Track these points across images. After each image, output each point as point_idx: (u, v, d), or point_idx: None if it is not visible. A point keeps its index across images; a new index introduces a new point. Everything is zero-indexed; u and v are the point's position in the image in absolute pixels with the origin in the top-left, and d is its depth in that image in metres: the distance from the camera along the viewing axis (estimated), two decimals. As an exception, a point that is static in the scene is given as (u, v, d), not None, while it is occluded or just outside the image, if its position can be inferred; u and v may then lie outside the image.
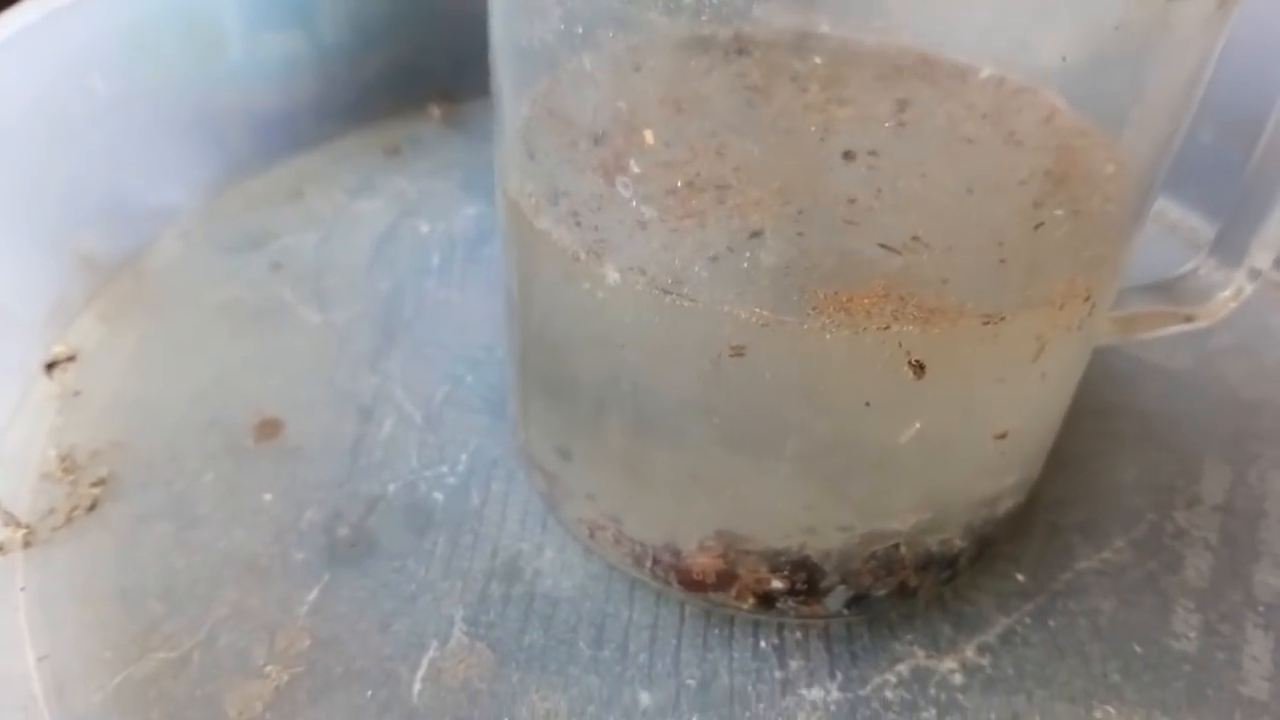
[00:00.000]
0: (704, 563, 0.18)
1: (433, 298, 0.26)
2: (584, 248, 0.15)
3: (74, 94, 0.25)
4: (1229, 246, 0.21)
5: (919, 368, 0.15)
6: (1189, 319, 0.22)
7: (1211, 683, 0.19)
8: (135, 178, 0.27)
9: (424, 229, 0.28)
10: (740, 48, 0.18)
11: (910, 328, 0.14)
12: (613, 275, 0.15)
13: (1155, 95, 0.17)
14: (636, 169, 0.16)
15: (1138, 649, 0.19)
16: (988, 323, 0.15)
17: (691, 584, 0.18)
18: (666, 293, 0.15)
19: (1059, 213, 0.17)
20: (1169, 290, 0.22)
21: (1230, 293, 0.21)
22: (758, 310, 0.14)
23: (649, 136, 0.17)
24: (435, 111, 0.34)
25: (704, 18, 0.15)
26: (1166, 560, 0.21)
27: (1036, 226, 0.15)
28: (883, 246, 0.16)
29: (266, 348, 0.24)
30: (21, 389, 0.23)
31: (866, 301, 0.15)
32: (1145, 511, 0.22)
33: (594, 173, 0.17)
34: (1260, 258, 0.21)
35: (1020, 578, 0.20)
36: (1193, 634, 0.19)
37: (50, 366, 0.24)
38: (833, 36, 0.18)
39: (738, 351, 0.15)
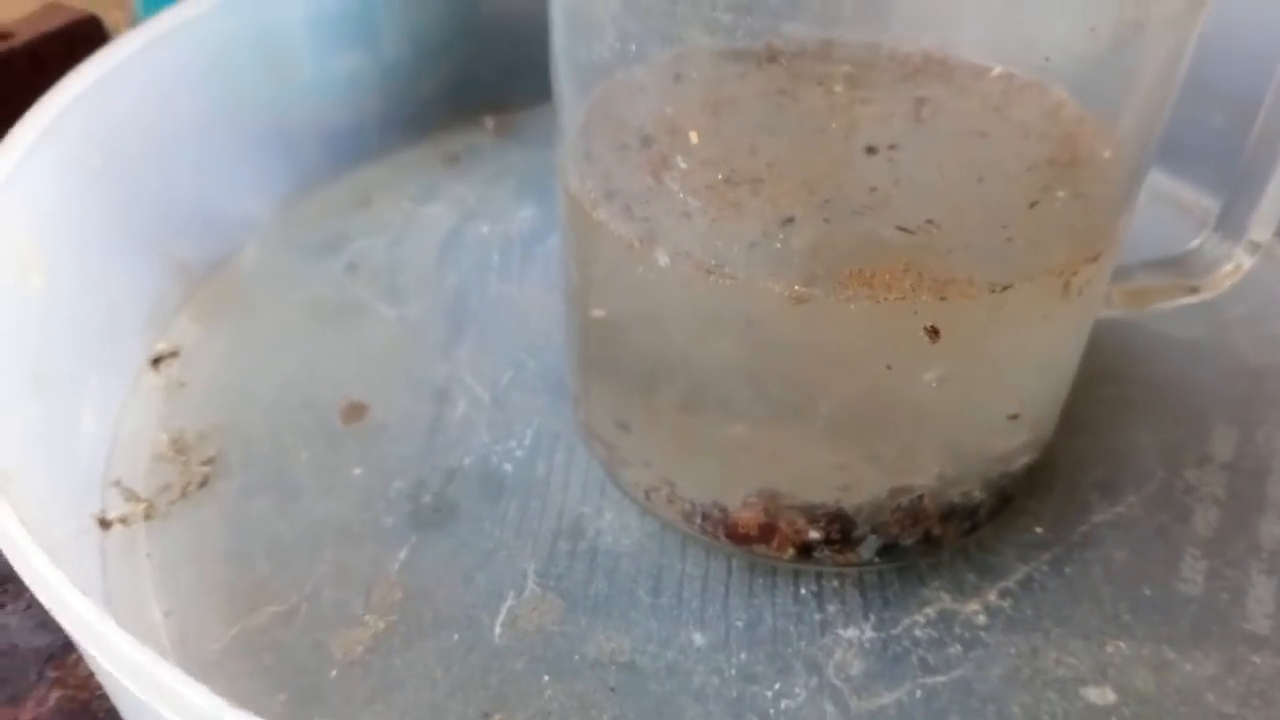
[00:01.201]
0: (748, 518, 0.20)
1: (495, 292, 0.28)
2: (637, 236, 0.18)
3: (166, 114, 0.28)
4: (1230, 223, 0.23)
5: (934, 333, 0.17)
6: (1194, 291, 0.23)
7: (1216, 620, 0.20)
8: (220, 190, 0.30)
9: (484, 230, 0.31)
10: (771, 55, 0.20)
11: (926, 297, 0.16)
12: (663, 259, 0.17)
13: (1141, 84, 0.19)
14: (681, 166, 0.19)
15: (1147, 592, 0.21)
16: (995, 291, 0.17)
17: (737, 537, 0.20)
18: (710, 273, 0.17)
19: (1061, 195, 0.19)
20: (1176, 265, 0.24)
21: (1231, 266, 0.23)
22: (791, 286, 0.17)
23: (692, 137, 0.19)
24: (489, 122, 0.36)
25: (739, 34, 0.17)
26: (1176, 513, 0.22)
27: (1033, 205, 0.17)
28: (900, 229, 0.18)
29: (347, 340, 0.27)
30: (131, 381, 0.26)
31: (887, 276, 0.17)
32: (1157, 470, 0.23)
33: (643, 170, 0.19)
34: (1258, 232, 0.23)
35: (1039, 530, 0.22)
36: (1199, 578, 0.21)
37: (155, 361, 0.26)
38: (856, 43, 0.20)
39: (768, 322, 0.17)
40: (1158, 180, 0.33)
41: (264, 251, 0.30)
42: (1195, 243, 0.23)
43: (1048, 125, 0.20)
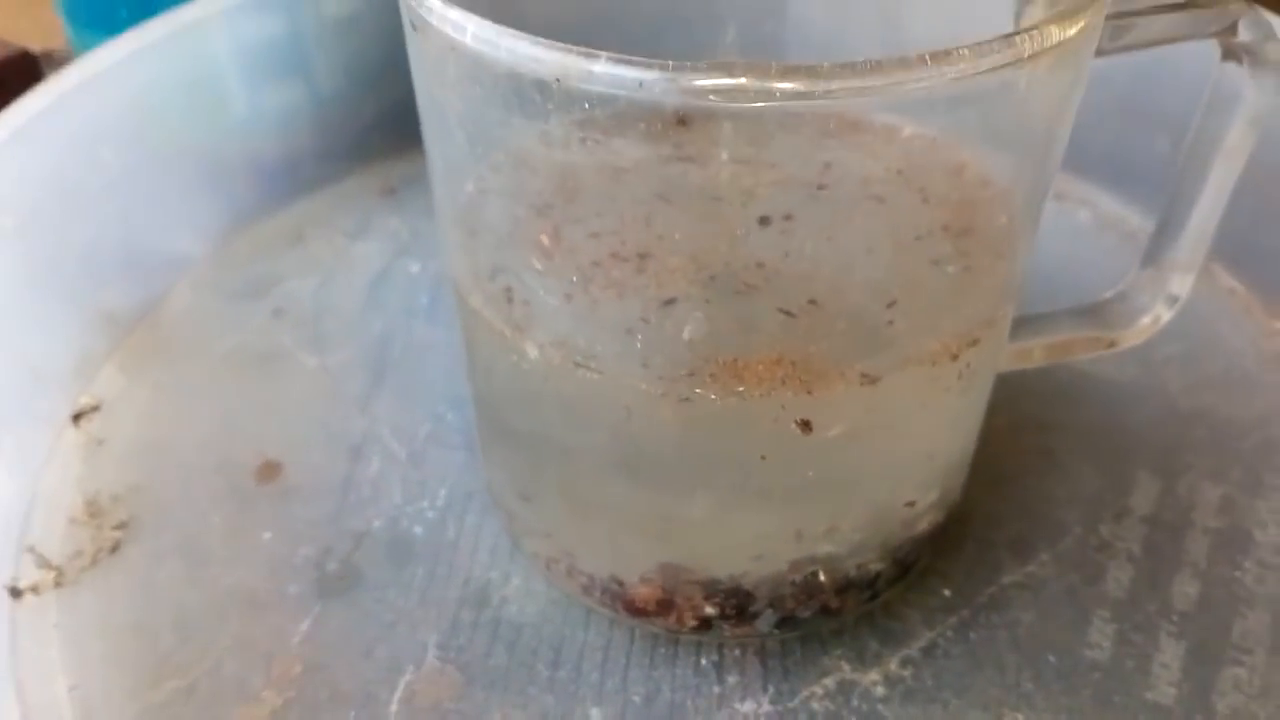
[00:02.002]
0: (645, 593, 0.20)
1: (420, 338, 0.28)
2: (510, 325, 0.17)
3: (86, 167, 0.27)
4: (1153, 265, 0.22)
5: (805, 425, 0.16)
6: (1112, 344, 0.23)
7: (1119, 689, 0.20)
8: (149, 234, 0.30)
9: (414, 269, 0.31)
10: (680, 119, 0.20)
11: (794, 391, 0.16)
12: (533, 351, 0.17)
13: (1047, 144, 0.18)
14: (569, 240, 0.18)
15: (1051, 659, 0.21)
16: (864, 383, 0.16)
17: (635, 611, 0.20)
18: (579, 366, 0.17)
19: (950, 269, 0.18)
20: (1095, 315, 0.23)
21: (1149, 319, 0.23)
22: (661, 383, 0.16)
23: (584, 208, 0.19)
24: (428, 149, 0.36)
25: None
26: (1088, 572, 0.22)
27: (924, 285, 0.17)
28: (781, 310, 0.17)
29: (268, 392, 0.27)
30: (52, 439, 0.26)
31: (760, 368, 0.17)
32: (1073, 525, 0.23)
33: (526, 248, 0.19)
34: (1177, 285, 0.22)
35: (947, 593, 0.22)
36: (1106, 643, 0.21)
37: (77, 417, 0.26)
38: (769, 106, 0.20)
39: (637, 417, 0.17)
40: (1104, 206, 0.33)
41: (194, 294, 0.30)
42: (1112, 292, 0.23)
43: (948, 189, 0.20)
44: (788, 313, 0.17)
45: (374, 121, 0.35)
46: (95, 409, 0.27)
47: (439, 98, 0.17)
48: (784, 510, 0.18)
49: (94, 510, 0.24)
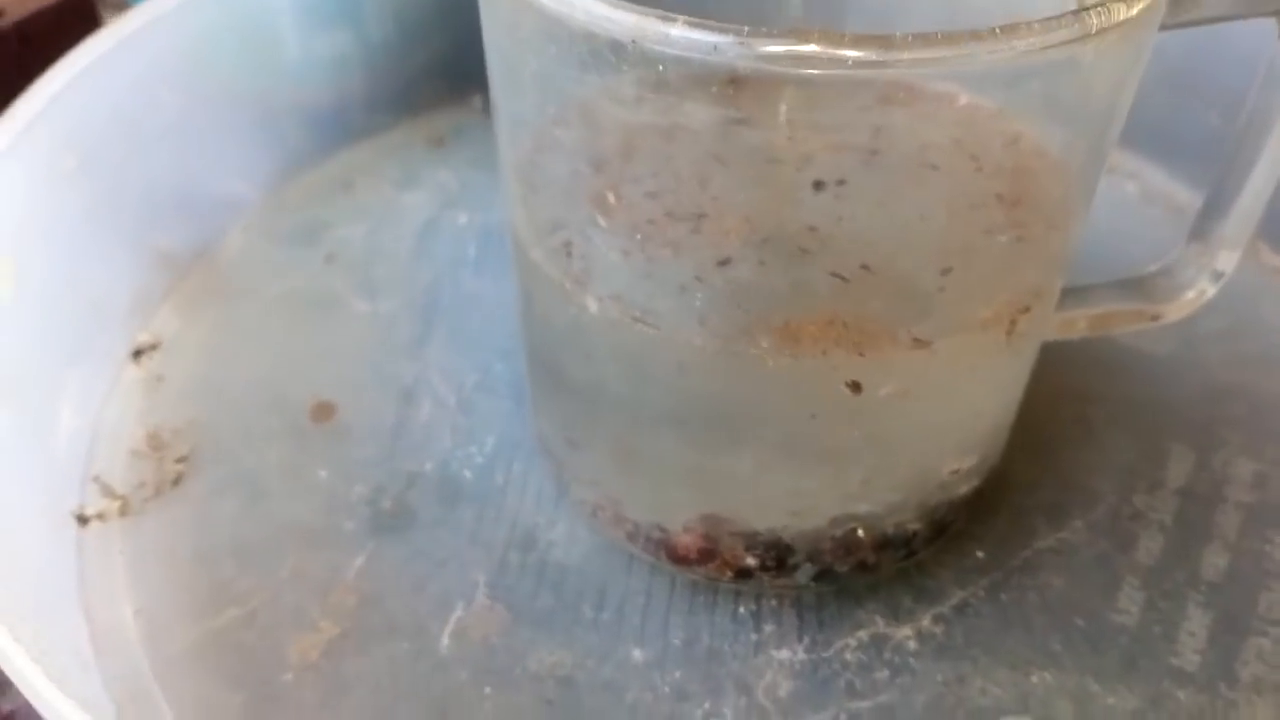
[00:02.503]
0: (687, 541, 0.21)
1: (468, 288, 0.29)
2: (570, 278, 0.18)
3: (145, 109, 0.28)
4: (1200, 240, 0.23)
5: (855, 386, 0.17)
6: (1156, 318, 0.23)
7: (1145, 654, 0.21)
8: (203, 177, 0.31)
9: (462, 220, 0.31)
10: (733, 79, 0.20)
11: (845, 352, 0.17)
12: (593, 304, 0.18)
13: (1105, 118, 0.18)
14: (627, 199, 0.19)
15: (1080, 622, 0.21)
16: (916, 347, 0.17)
17: (677, 559, 0.21)
18: (637, 321, 0.17)
19: (1002, 239, 0.19)
20: (1140, 288, 0.23)
21: (1194, 293, 0.23)
22: (715, 340, 0.17)
23: (641, 167, 0.19)
24: (477, 102, 0.36)
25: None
26: (1120, 541, 0.23)
27: (978, 252, 0.17)
28: (834, 275, 0.18)
29: (321, 335, 0.28)
30: (113, 374, 0.27)
31: (812, 329, 0.17)
32: (1107, 494, 0.24)
33: (587, 204, 0.19)
34: (1223, 260, 0.22)
35: (980, 555, 0.22)
36: (1135, 609, 0.22)
37: (137, 354, 0.27)
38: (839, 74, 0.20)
39: (691, 372, 0.17)
40: (1151, 179, 0.33)
41: (247, 238, 0.31)
42: (1157, 266, 0.23)
43: (1003, 158, 0.20)
44: (840, 277, 0.18)
45: (422, 72, 0.35)
46: (154, 347, 0.27)
47: (510, 54, 0.17)
48: (827, 468, 0.19)
49: (156, 444, 0.25)
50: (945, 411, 0.19)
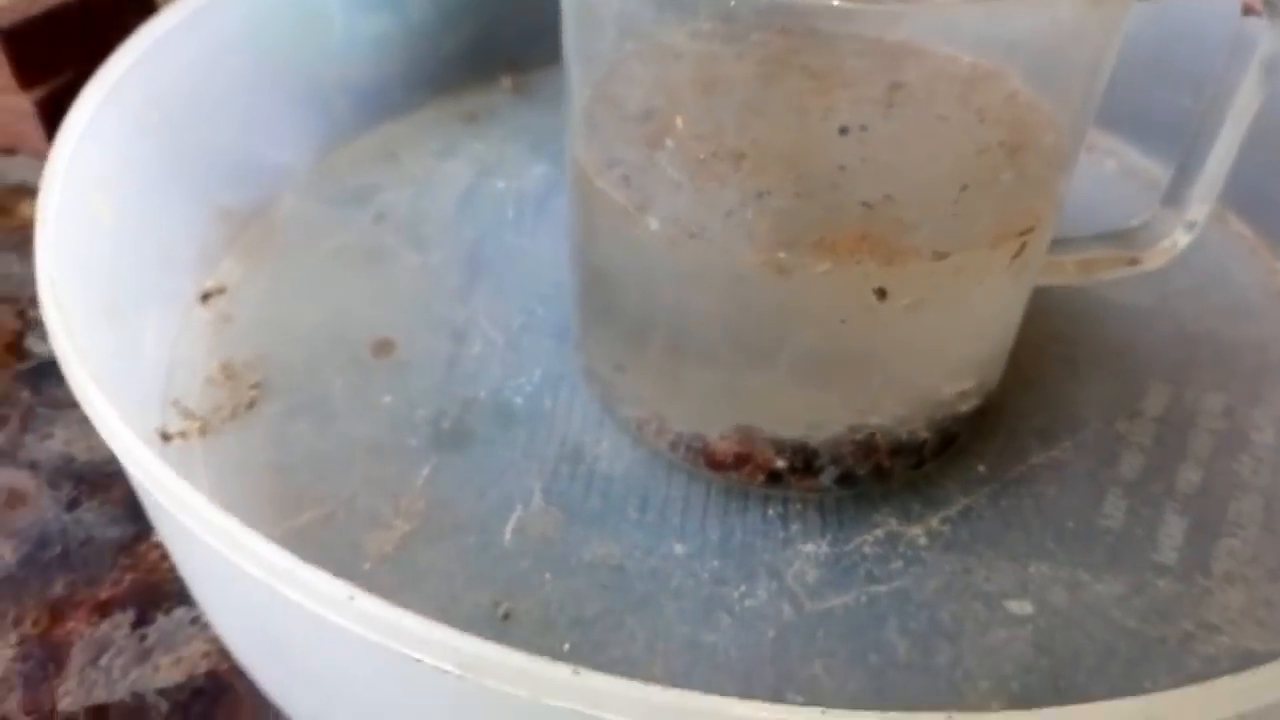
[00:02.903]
0: (725, 448, 0.23)
1: (509, 244, 0.31)
2: (632, 203, 0.21)
3: (213, 74, 0.30)
4: (1173, 202, 0.25)
5: (881, 293, 0.20)
6: (1135, 263, 0.26)
7: (1128, 551, 0.23)
8: (259, 142, 0.33)
9: (500, 186, 0.34)
10: (762, 40, 0.23)
11: (876, 263, 0.19)
12: (654, 224, 0.20)
13: (1090, 75, 0.21)
14: (672, 143, 0.21)
15: (1071, 524, 0.24)
16: (936, 258, 0.20)
17: (715, 464, 0.23)
18: (693, 237, 0.20)
19: (1005, 177, 0.22)
20: (1122, 239, 0.26)
21: (1169, 242, 0.26)
22: (761, 252, 0.19)
23: (684, 115, 0.22)
24: (506, 82, 0.39)
25: (718, 41, 0.20)
26: (1105, 459, 0.25)
27: (979, 184, 0.20)
28: (862, 203, 0.21)
29: (375, 283, 0.30)
30: (184, 314, 0.29)
31: (846, 243, 0.20)
32: (1092, 421, 0.26)
33: (641, 144, 0.22)
34: (1195, 212, 0.25)
35: (981, 469, 0.25)
36: (1119, 515, 0.24)
37: (205, 297, 0.29)
38: (839, 31, 0.23)
39: (740, 282, 0.20)
40: (1128, 156, 0.36)
41: (299, 200, 0.33)
42: (1139, 219, 0.26)
43: (1003, 111, 0.23)
44: (867, 205, 0.21)
45: (456, 54, 0.38)
46: (220, 291, 0.30)
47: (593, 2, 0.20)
48: (851, 376, 0.22)
49: (229, 373, 0.27)
50: (956, 323, 0.21)
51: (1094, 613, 0.22)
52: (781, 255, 0.20)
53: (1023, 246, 0.20)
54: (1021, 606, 0.22)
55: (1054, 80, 0.22)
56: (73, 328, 0.19)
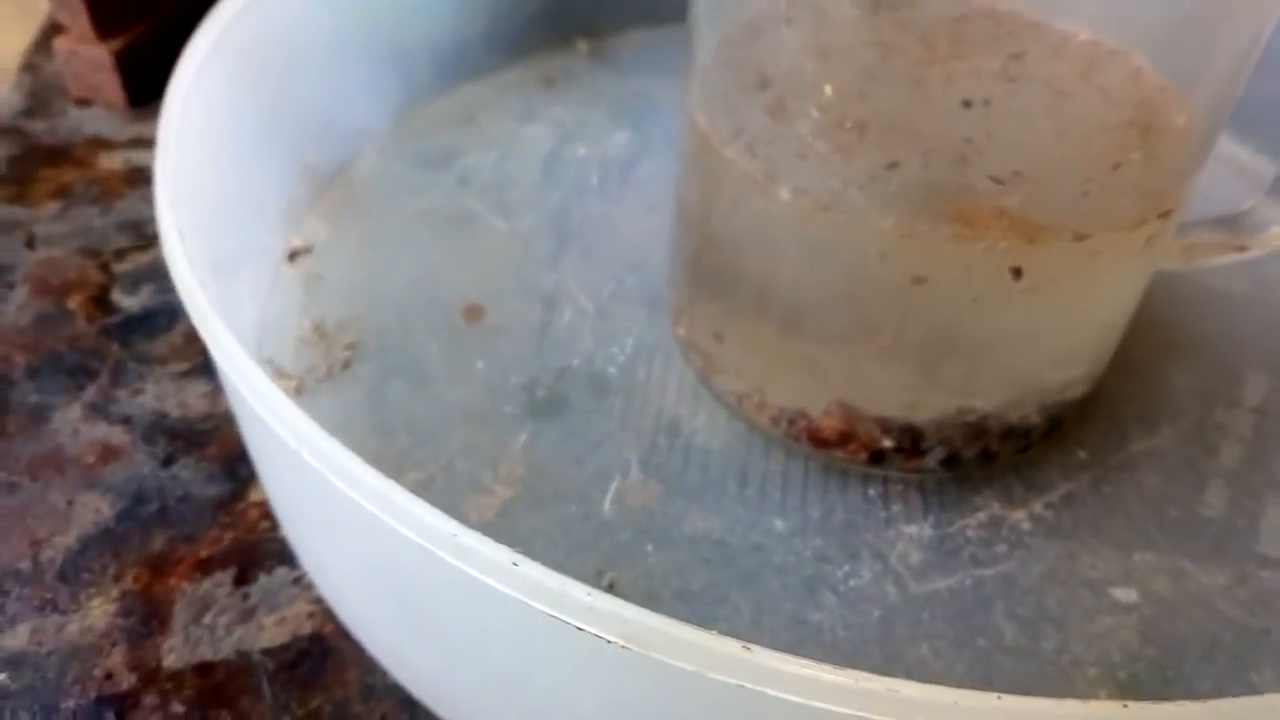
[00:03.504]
0: (829, 425, 0.23)
1: (595, 212, 0.31)
2: (761, 173, 0.20)
3: (306, 31, 0.30)
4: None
5: (1017, 273, 0.19)
6: (1242, 249, 0.26)
7: (1232, 541, 0.23)
8: (343, 101, 0.33)
9: (582, 152, 0.33)
10: (878, 7, 0.23)
11: (1015, 240, 0.19)
12: (784, 194, 0.20)
13: (1219, 59, 0.21)
14: (797, 109, 0.21)
15: (1173, 513, 0.24)
16: (1077, 240, 0.19)
17: (818, 441, 0.23)
18: (826, 209, 0.20)
19: (1135, 156, 0.21)
20: (1228, 224, 0.26)
21: (1277, 229, 0.25)
22: (897, 223, 0.19)
23: (805, 82, 0.21)
24: (583, 47, 0.38)
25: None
26: (1205, 448, 0.25)
27: (1115, 167, 0.20)
28: (991, 179, 0.20)
29: (462, 247, 0.30)
30: (274, 271, 0.29)
31: (985, 218, 0.19)
32: (1192, 409, 0.26)
33: (763, 112, 0.21)
34: (1307, 201, 0.25)
35: (1083, 455, 0.25)
36: (1221, 505, 0.24)
37: (292, 256, 0.29)
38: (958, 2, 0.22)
39: (878, 254, 0.19)
40: (1219, 143, 0.35)
41: (381, 160, 0.33)
42: (1247, 204, 0.26)
43: (1128, 90, 0.22)
44: (997, 180, 0.20)
45: (534, 18, 0.38)
46: (308, 250, 0.30)
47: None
48: (972, 356, 0.21)
49: (321, 333, 0.27)
50: (1084, 306, 0.21)
51: (1199, 603, 0.22)
52: (919, 227, 0.19)
53: (1158, 230, 0.20)
54: (1127, 594, 0.22)
55: (1179, 61, 0.22)
56: (202, 279, 0.19)
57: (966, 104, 0.21)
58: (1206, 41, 0.21)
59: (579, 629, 0.14)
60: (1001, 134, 0.21)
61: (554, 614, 0.14)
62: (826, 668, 0.13)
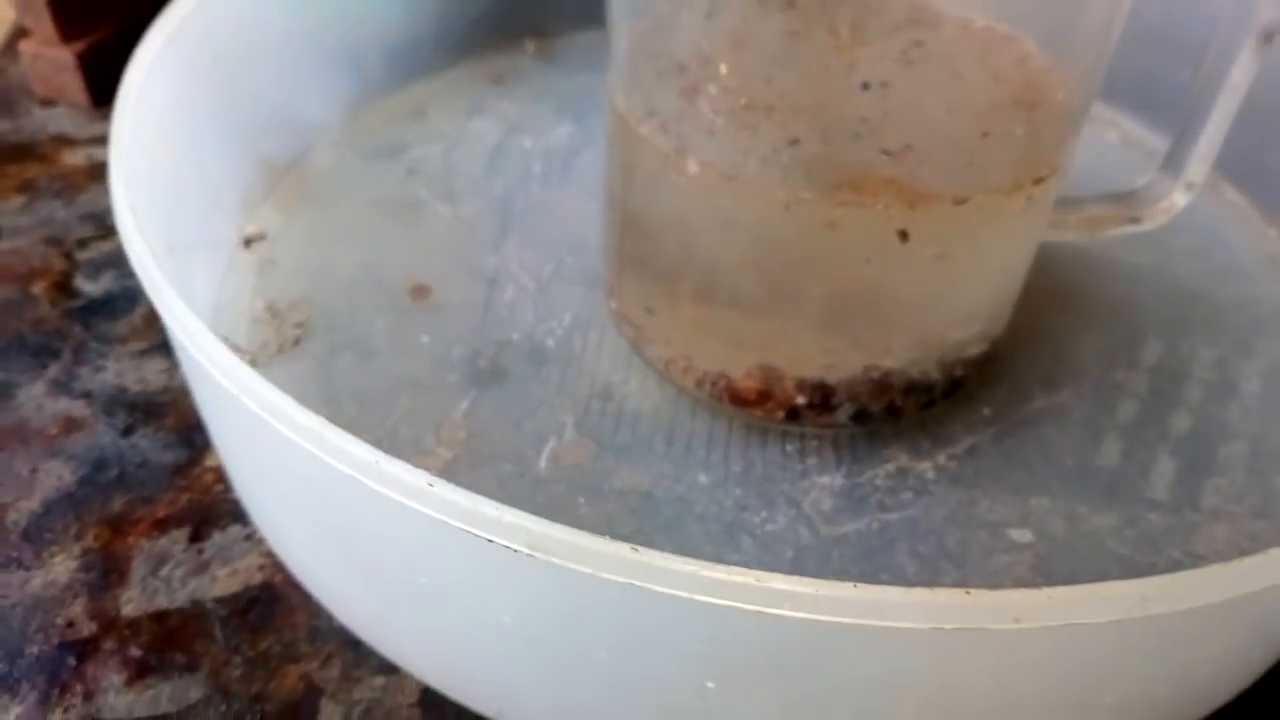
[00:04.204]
0: (748, 385, 0.25)
1: (537, 198, 0.33)
2: (672, 148, 0.22)
3: (258, 25, 0.32)
4: (1172, 167, 0.27)
5: (903, 235, 0.21)
6: (1136, 221, 0.28)
7: (1123, 488, 0.25)
8: (297, 95, 0.34)
9: (526, 144, 0.35)
10: (789, 1, 0.24)
11: (899, 205, 0.21)
12: (693, 168, 0.22)
13: (1090, 31, 0.23)
14: (709, 92, 0.23)
15: (1070, 463, 0.26)
16: (955, 203, 0.21)
17: (739, 401, 0.25)
18: (729, 179, 0.21)
19: (1018, 131, 0.23)
20: (1125, 199, 0.28)
21: (1168, 203, 0.27)
22: (793, 192, 0.21)
23: (719, 68, 0.23)
24: (529, 46, 0.40)
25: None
26: (1103, 405, 0.27)
27: (998, 139, 0.22)
28: (884, 151, 0.22)
29: (410, 232, 0.31)
30: (229, 257, 0.30)
31: (873, 186, 0.21)
32: (1092, 370, 0.28)
33: (677, 94, 0.23)
34: (1194, 174, 0.27)
35: (987, 411, 0.27)
36: (1115, 455, 0.26)
37: (248, 242, 0.31)
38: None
39: (773, 222, 0.21)
40: (1130, 127, 0.37)
41: (334, 152, 0.34)
42: (1142, 181, 0.28)
43: (1016, 72, 0.24)
44: (888, 153, 0.22)
45: (483, 17, 0.39)
46: (262, 237, 0.31)
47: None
48: (871, 317, 0.23)
49: (274, 312, 0.29)
50: (971, 268, 0.23)
51: (1090, 541, 0.24)
52: (810, 196, 0.21)
53: (1035, 194, 0.22)
54: (1022, 535, 0.24)
55: (1064, 44, 0.24)
56: (157, 258, 0.20)
57: (865, 86, 0.23)
58: (1087, 25, 0.23)
59: (489, 541, 0.15)
60: (897, 113, 0.23)
61: (468, 529, 0.15)
62: (706, 564, 0.15)
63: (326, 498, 0.18)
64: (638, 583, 0.15)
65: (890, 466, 0.25)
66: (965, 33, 0.25)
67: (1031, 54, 0.25)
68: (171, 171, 0.27)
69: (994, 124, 0.23)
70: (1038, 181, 0.22)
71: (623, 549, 0.15)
